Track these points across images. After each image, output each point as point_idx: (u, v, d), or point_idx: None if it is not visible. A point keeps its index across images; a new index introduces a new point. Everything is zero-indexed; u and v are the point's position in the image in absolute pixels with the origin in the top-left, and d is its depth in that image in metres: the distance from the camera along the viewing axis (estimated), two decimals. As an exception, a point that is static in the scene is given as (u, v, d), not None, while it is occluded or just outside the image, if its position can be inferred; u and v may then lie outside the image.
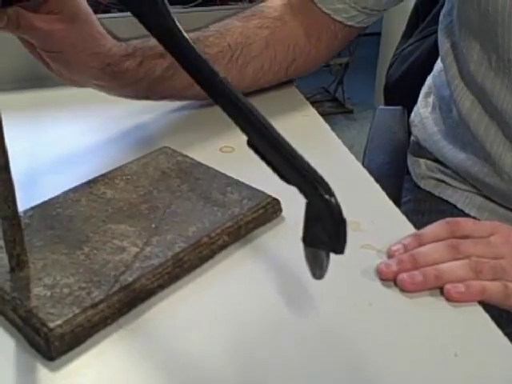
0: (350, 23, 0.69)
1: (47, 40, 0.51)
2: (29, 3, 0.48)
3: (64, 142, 0.64)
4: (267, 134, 0.34)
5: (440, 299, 0.44)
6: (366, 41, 2.16)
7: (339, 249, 0.34)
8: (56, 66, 0.55)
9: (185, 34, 0.36)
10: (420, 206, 0.76)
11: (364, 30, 0.74)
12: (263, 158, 0.35)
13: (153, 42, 0.58)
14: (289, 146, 0.34)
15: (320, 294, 0.45)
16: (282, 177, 0.35)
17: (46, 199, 0.50)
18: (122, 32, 0.58)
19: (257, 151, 0.35)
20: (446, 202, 0.76)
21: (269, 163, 0.35)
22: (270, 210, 0.51)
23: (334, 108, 2.65)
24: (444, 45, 0.71)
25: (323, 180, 0.34)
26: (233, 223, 0.48)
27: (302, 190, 0.34)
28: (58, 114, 0.70)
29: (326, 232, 0.34)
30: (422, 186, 0.79)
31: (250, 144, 0.35)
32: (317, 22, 0.69)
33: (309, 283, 0.45)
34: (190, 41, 0.36)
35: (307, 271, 0.37)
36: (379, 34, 2.52)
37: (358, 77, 2.71)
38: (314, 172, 0.34)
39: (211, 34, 0.65)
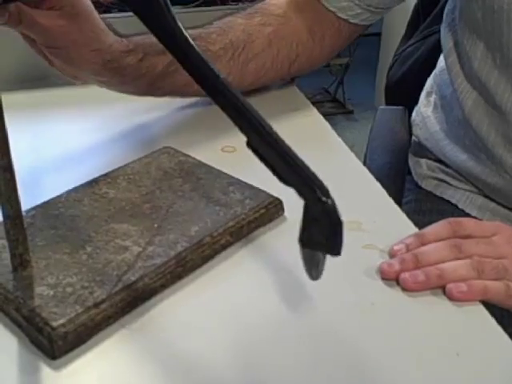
0: (354, 21, 0.69)
1: (48, 36, 0.52)
2: (30, -1, 0.48)
3: (65, 141, 0.64)
4: (266, 136, 0.35)
5: (442, 298, 0.44)
6: (366, 41, 2.16)
7: (335, 251, 0.34)
8: (57, 61, 0.55)
9: (186, 35, 0.37)
10: (421, 206, 0.76)
11: (367, 29, 0.74)
12: (262, 159, 0.35)
13: (154, 38, 0.58)
14: (287, 147, 0.35)
15: (322, 294, 0.45)
16: (281, 178, 0.35)
17: (48, 199, 0.51)
18: (123, 32, 0.58)
19: (256, 152, 0.35)
20: (447, 202, 0.76)
21: (268, 164, 0.35)
22: (272, 209, 0.51)
23: (334, 108, 2.65)
24: (447, 43, 0.71)
25: (321, 182, 0.34)
26: (235, 223, 0.48)
27: (299, 192, 0.34)
28: (58, 114, 0.70)
29: (322, 234, 0.34)
30: (423, 186, 0.79)
31: (250, 145, 0.35)
32: (321, 19, 0.69)
33: (311, 283, 0.44)
34: (192, 42, 0.36)
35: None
36: (379, 34, 2.52)
37: (358, 77, 2.71)
38: (312, 174, 0.34)
39: (213, 31, 0.65)
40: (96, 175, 0.54)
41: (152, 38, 0.60)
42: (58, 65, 0.55)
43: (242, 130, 0.35)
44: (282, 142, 0.35)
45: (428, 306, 0.44)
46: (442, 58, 0.77)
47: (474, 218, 0.73)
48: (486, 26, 0.63)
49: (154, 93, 0.64)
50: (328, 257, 0.47)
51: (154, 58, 0.59)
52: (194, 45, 0.37)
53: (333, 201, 0.33)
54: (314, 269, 0.37)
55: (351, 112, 2.70)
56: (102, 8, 0.89)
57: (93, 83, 0.60)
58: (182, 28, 0.37)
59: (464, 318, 0.43)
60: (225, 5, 1.08)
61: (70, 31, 0.52)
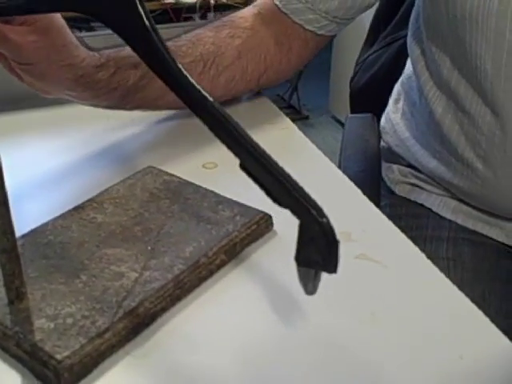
0: (321, 32, 0.70)
1: (20, 52, 0.51)
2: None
3: (42, 166, 0.62)
4: (259, 158, 0.35)
5: (441, 305, 0.45)
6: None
7: (332, 269, 0.35)
8: (28, 77, 0.54)
9: (178, 65, 0.37)
10: (396, 211, 0.78)
11: (333, 39, 0.75)
12: (256, 181, 0.36)
13: (126, 51, 0.58)
14: (281, 169, 0.35)
15: (320, 306, 0.45)
16: (275, 200, 0.35)
17: (32, 227, 0.50)
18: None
19: (250, 174, 0.36)
20: (422, 205, 0.77)
21: (262, 186, 0.36)
22: (262, 225, 0.51)
23: (290, 115, 2.65)
24: (414, 51, 0.73)
25: (315, 202, 0.34)
26: (228, 241, 0.48)
27: (294, 212, 0.35)
28: (31, 138, 0.69)
29: (319, 253, 0.35)
30: (396, 191, 0.80)
31: (243, 167, 0.36)
32: (288, 31, 0.69)
33: (308, 297, 0.45)
34: (182, 69, 0.37)
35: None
36: (331, 40, 2.56)
37: (311, 83, 2.75)
38: (306, 195, 0.35)
39: (183, 44, 0.65)
40: (79, 199, 0.53)
41: (124, 52, 0.60)
42: (28, 80, 0.55)
43: (235, 152, 0.36)
44: (275, 163, 0.35)
45: (428, 312, 0.44)
46: (408, 64, 0.79)
47: (448, 220, 0.75)
48: (450, 35, 0.65)
49: (125, 106, 0.64)
50: (324, 270, 0.48)
51: (126, 72, 0.59)
52: (184, 71, 0.37)
53: (328, 220, 0.34)
54: (309, 284, 0.37)
55: (307, 117, 2.73)
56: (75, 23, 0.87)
57: (63, 97, 0.59)
58: (171, 55, 0.37)
59: (465, 322, 0.44)
60: (178, 21, 1.07)
61: (42, 47, 0.51)
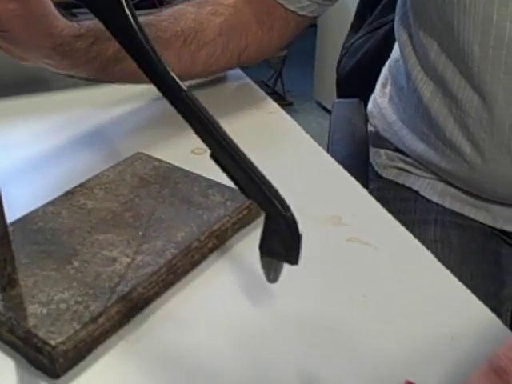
0: (302, 13, 0.70)
1: None
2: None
3: (30, 152, 0.62)
4: (229, 149, 0.35)
5: (432, 287, 0.45)
6: (302, 34, 2.18)
7: (294, 260, 0.36)
8: (5, 44, 0.54)
9: (157, 54, 0.37)
10: (384, 195, 0.78)
11: (315, 20, 0.75)
12: (225, 170, 0.36)
13: None
14: (249, 161, 0.36)
15: (313, 289, 0.45)
16: (242, 191, 0.36)
17: (22, 214, 0.49)
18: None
19: (219, 164, 0.36)
20: (409, 189, 0.78)
21: (230, 177, 0.36)
22: (253, 210, 0.51)
23: (274, 101, 2.66)
24: (401, 35, 0.73)
25: (280, 196, 0.35)
26: (220, 225, 0.48)
27: (260, 205, 0.35)
28: (14, 124, 0.68)
29: (282, 245, 0.36)
30: (384, 175, 0.81)
31: (213, 157, 0.36)
32: (269, 10, 0.69)
33: (301, 280, 0.45)
34: (162, 58, 0.36)
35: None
36: (315, 26, 2.55)
37: (296, 69, 2.74)
38: (272, 188, 0.35)
39: (165, 19, 0.65)
40: (68, 185, 0.53)
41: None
42: (5, 47, 0.54)
43: (206, 142, 0.36)
44: (245, 156, 0.36)
45: (420, 294, 0.45)
46: (396, 48, 0.79)
47: (436, 203, 0.76)
48: (438, 20, 0.65)
49: (104, 78, 0.64)
50: (317, 252, 0.48)
51: (105, 43, 0.59)
52: (162, 60, 0.37)
53: (292, 214, 0.35)
54: (271, 273, 0.38)
55: (291, 104, 2.73)
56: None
57: (40, 65, 0.59)
58: (152, 45, 0.37)
59: (456, 303, 0.44)
60: (162, 7, 1.06)
61: (20, 15, 0.51)
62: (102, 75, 0.63)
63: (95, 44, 0.58)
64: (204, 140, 0.36)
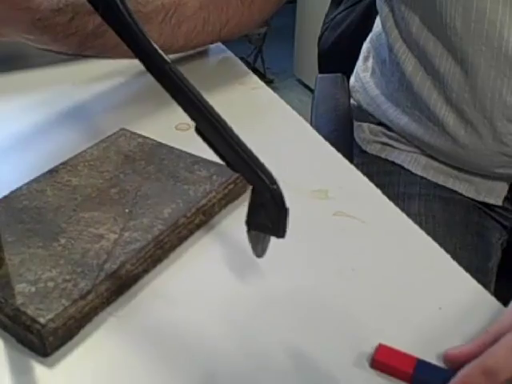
0: None
1: None
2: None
3: (10, 131, 0.61)
4: (214, 123, 0.35)
5: (419, 258, 0.46)
6: (282, 10, 2.16)
7: (280, 234, 0.36)
8: None
9: (140, 27, 0.36)
10: (368, 169, 0.78)
11: None
12: (210, 145, 0.36)
13: None
14: (236, 136, 0.35)
15: (302, 263, 0.45)
16: (228, 164, 0.36)
17: (4, 193, 0.48)
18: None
19: (204, 138, 0.36)
20: (393, 163, 0.78)
21: (216, 151, 0.36)
22: (239, 184, 0.51)
23: (255, 79, 2.65)
24: (383, 9, 0.72)
25: (266, 169, 0.35)
26: (206, 201, 0.48)
27: (246, 178, 0.35)
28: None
29: (269, 218, 0.36)
30: (367, 150, 0.81)
31: (198, 131, 0.36)
32: None
33: (291, 253, 0.45)
34: (144, 31, 0.36)
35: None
36: (294, 1, 2.53)
37: (276, 46, 2.72)
38: (258, 161, 0.35)
39: None
40: (51, 163, 0.52)
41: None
42: None
43: (192, 116, 0.36)
44: (231, 130, 0.35)
45: (408, 266, 0.45)
46: (378, 22, 0.79)
47: (420, 176, 0.76)
48: None
49: (84, 51, 0.63)
50: (304, 226, 0.48)
51: (85, 17, 0.58)
52: (145, 33, 0.36)
53: (278, 187, 0.35)
54: (259, 247, 0.38)
55: (271, 81, 2.71)
56: None
57: (21, 41, 0.58)
58: (132, 15, 0.36)
59: (443, 274, 0.45)
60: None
61: None
62: (83, 49, 0.62)
63: (75, 19, 0.58)
64: (189, 113, 0.35)
